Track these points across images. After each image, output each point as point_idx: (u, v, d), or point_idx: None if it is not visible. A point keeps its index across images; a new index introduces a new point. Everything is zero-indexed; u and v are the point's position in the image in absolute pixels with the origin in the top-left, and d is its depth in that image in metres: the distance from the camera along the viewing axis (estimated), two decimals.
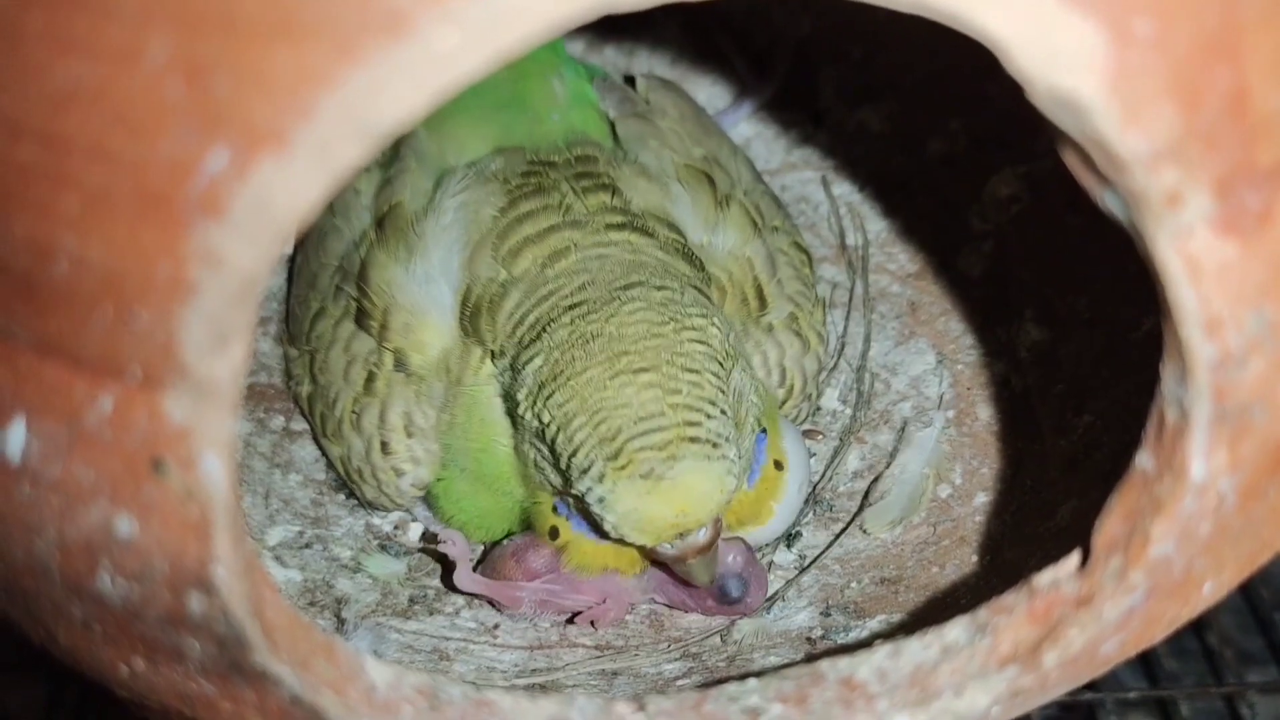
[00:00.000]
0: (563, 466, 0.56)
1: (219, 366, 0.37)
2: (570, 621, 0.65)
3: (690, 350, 0.56)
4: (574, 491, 0.56)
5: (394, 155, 0.68)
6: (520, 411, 0.58)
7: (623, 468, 0.54)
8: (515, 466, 0.62)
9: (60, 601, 0.43)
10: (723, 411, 0.55)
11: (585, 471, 0.55)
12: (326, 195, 0.35)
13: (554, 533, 0.61)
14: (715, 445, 0.54)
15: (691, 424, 0.54)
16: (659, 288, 0.58)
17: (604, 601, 0.64)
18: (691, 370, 0.55)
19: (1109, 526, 0.43)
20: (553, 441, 0.56)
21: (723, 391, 0.56)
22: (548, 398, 0.56)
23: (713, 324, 0.57)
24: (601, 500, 0.55)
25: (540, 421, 0.56)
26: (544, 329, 0.58)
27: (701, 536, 0.56)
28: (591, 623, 0.64)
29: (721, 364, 0.56)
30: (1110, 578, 0.43)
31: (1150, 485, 0.41)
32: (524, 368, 0.58)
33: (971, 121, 0.80)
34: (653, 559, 0.60)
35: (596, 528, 0.58)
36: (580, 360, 0.56)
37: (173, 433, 0.37)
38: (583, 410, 0.55)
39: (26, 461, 0.40)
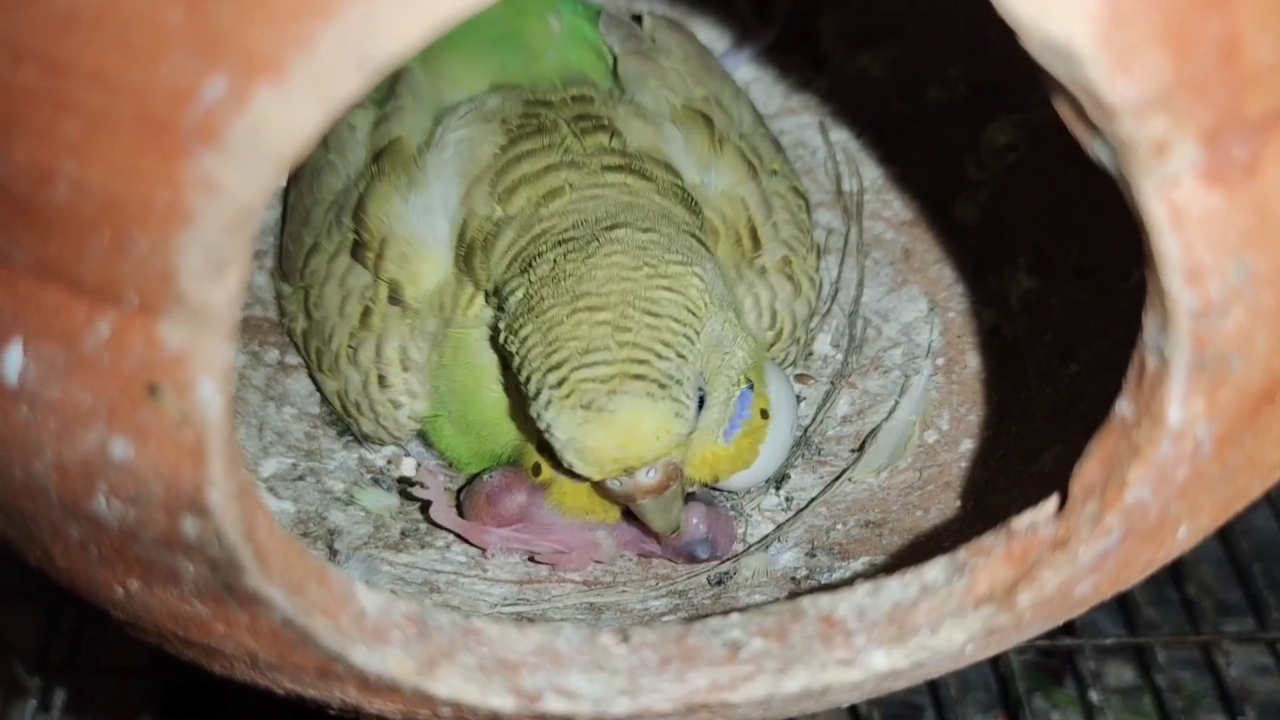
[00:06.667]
0: (524, 393, 0.57)
1: (215, 294, 0.37)
2: (532, 559, 0.65)
3: (656, 296, 0.56)
4: (532, 417, 0.57)
5: (389, 91, 0.68)
6: (501, 341, 0.59)
7: (566, 396, 0.55)
8: (503, 408, 0.63)
9: (58, 523, 0.43)
10: (679, 355, 0.56)
11: (536, 398, 0.56)
12: (323, 126, 0.36)
13: (536, 469, 0.62)
14: (663, 386, 0.55)
15: (638, 361, 0.55)
16: (644, 230, 0.59)
17: (568, 553, 0.64)
18: (651, 314, 0.56)
19: (1087, 471, 0.43)
20: (518, 371, 0.57)
21: (688, 339, 0.56)
22: (517, 330, 0.57)
23: (693, 272, 0.58)
24: (549, 428, 0.56)
25: (510, 351, 0.58)
26: (530, 263, 0.59)
27: (648, 477, 0.57)
28: (552, 565, 0.65)
29: (693, 313, 0.57)
30: (1086, 521, 0.43)
31: (1129, 431, 0.42)
32: (508, 299, 0.59)
33: (971, 68, 0.80)
34: (613, 500, 0.60)
35: (559, 463, 0.58)
36: (548, 298, 0.57)
37: (169, 358, 0.38)
38: (541, 342, 0.56)
39: (24, 384, 0.40)
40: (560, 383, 0.55)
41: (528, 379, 0.56)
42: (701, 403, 0.58)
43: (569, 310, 0.56)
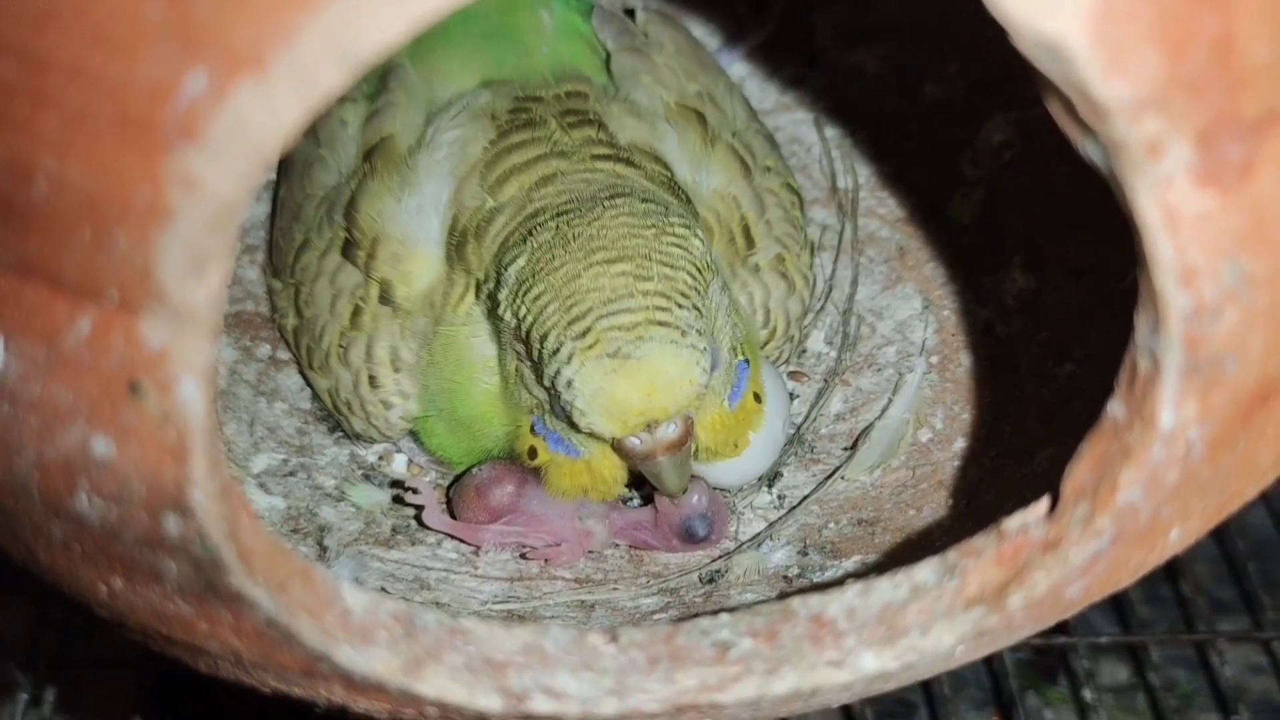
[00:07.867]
0: (535, 357, 0.57)
1: (196, 292, 0.37)
2: (524, 556, 0.65)
3: (668, 250, 0.57)
4: (546, 383, 0.57)
5: (381, 86, 0.68)
6: (500, 312, 0.58)
7: (591, 346, 0.55)
8: (494, 402, 0.62)
9: (40, 520, 0.43)
10: (695, 307, 0.56)
11: (555, 354, 0.55)
12: (305, 122, 0.35)
13: (533, 453, 0.61)
14: (684, 333, 0.55)
15: (660, 309, 0.55)
16: (643, 200, 0.59)
17: (560, 545, 0.64)
18: (666, 265, 0.56)
19: (1078, 473, 0.43)
20: (528, 334, 0.57)
21: (698, 291, 0.57)
22: (525, 293, 0.57)
23: (695, 235, 0.58)
24: (570, 384, 0.55)
25: (517, 318, 0.57)
26: (530, 234, 0.59)
27: (671, 431, 0.57)
28: (545, 560, 0.65)
29: (700, 270, 0.57)
30: (1077, 523, 0.43)
31: (1120, 433, 0.41)
32: (507, 269, 0.58)
33: (968, 66, 0.80)
34: (626, 460, 0.59)
35: (570, 425, 0.58)
36: (559, 257, 0.57)
37: (150, 357, 0.38)
38: (556, 298, 0.56)
39: (5, 381, 0.40)
40: (584, 333, 0.55)
41: (544, 336, 0.56)
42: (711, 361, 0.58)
43: (585, 265, 0.56)
